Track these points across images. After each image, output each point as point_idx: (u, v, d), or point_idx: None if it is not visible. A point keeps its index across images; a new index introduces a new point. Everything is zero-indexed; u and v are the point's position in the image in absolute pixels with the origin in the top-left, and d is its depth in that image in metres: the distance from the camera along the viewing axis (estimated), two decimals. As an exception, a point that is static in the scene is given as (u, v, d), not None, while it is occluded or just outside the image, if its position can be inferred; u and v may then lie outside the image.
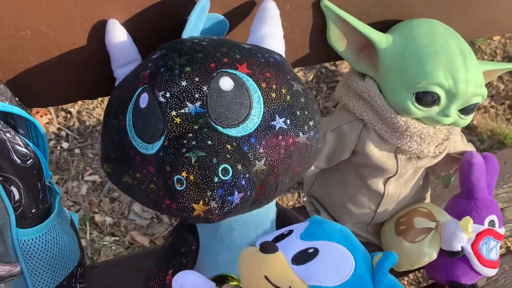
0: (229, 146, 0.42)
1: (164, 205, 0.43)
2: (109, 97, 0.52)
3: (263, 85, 0.45)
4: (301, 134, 0.46)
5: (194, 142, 0.41)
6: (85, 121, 1.37)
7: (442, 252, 0.67)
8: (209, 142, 0.41)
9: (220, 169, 0.40)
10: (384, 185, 0.68)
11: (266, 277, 0.34)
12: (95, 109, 1.40)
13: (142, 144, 0.45)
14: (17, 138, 0.45)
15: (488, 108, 1.64)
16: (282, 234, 0.40)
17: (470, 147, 0.72)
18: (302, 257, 0.36)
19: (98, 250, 1.15)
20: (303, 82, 0.50)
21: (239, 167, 0.41)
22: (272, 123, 0.45)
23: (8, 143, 0.43)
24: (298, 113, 0.46)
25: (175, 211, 0.41)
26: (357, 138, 0.64)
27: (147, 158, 0.44)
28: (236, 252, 0.51)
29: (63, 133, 1.35)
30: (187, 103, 0.43)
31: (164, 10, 0.53)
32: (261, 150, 0.44)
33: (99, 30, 0.50)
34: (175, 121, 0.43)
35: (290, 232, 0.40)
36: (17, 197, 0.44)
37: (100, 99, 1.42)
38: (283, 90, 0.46)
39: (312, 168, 0.65)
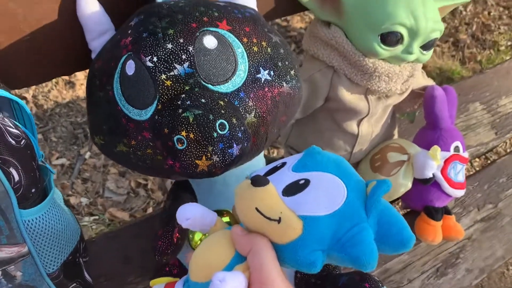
0: (222, 102, 0.43)
1: (167, 166, 0.44)
2: (87, 70, 0.52)
3: (245, 40, 0.47)
4: (284, 84, 0.48)
5: (188, 102, 0.42)
6: (42, 105, 1.33)
7: (416, 181, 0.72)
8: (203, 100, 0.43)
9: (217, 124, 0.42)
10: (358, 126, 0.72)
11: (257, 209, 0.35)
12: (50, 92, 1.35)
13: (134, 111, 0.45)
14: (6, 120, 0.45)
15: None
16: (275, 167, 0.40)
17: (430, 82, 0.77)
18: (293, 189, 0.36)
19: (79, 231, 1.15)
20: (279, 34, 0.51)
21: (234, 121, 0.43)
22: (258, 76, 0.47)
23: (1, 125, 0.42)
24: (280, 64, 0.48)
25: (179, 169, 0.43)
26: (329, 85, 0.67)
27: (141, 124, 0.45)
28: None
29: (21, 120, 1.31)
30: (176, 65, 0.44)
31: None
32: (250, 103, 0.46)
33: (69, 3, 0.50)
34: (166, 84, 0.44)
35: (283, 164, 0.40)
36: (16, 178, 0.44)
37: (54, 80, 1.37)
38: (264, 43, 0.48)
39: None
